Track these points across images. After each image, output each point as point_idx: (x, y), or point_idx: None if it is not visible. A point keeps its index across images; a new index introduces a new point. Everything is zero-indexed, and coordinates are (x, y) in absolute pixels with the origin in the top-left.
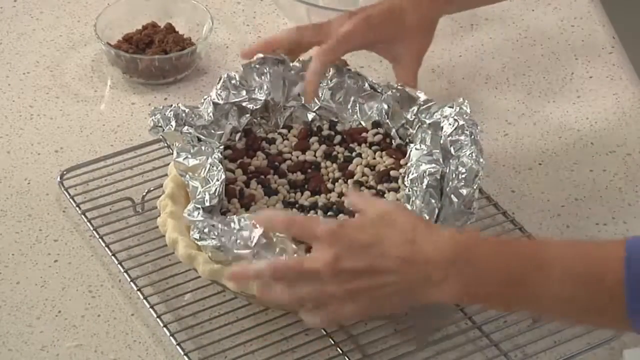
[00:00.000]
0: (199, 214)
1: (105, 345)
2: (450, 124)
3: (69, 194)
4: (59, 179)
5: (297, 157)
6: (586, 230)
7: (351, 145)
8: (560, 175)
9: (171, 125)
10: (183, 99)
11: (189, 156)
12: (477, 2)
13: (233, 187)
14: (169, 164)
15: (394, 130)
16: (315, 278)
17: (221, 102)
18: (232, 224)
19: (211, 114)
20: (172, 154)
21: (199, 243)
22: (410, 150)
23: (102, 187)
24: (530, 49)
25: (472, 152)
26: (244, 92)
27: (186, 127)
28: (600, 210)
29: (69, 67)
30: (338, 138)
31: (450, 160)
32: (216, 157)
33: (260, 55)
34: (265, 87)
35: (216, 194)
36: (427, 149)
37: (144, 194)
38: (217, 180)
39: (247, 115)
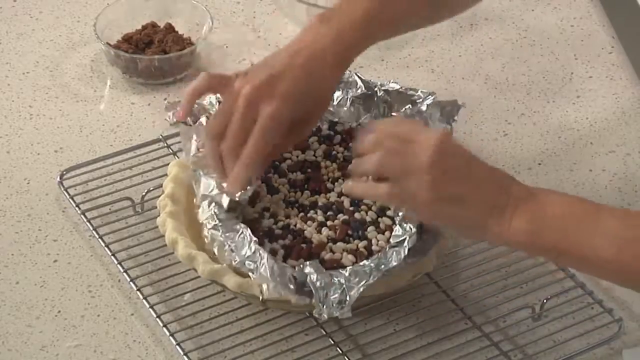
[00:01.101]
0: (219, 234)
1: (104, 345)
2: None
3: (69, 194)
4: (58, 178)
5: (297, 156)
6: None
7: (350, 144)
8: (560, 175)
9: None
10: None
11: None
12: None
13: None
14: (168, 164)
15: None
16: (417, 151)
17: None
18: (243, 251)
19: None
20: (172, 154)
21: (211, 232)
22: None
23: (102, 187)
24: (530, 49)
25: None
26: None
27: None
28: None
29: (69, 67)
30: (338, 138)
31: None
32: None
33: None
34: None
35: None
36: None
37: (144, 193)
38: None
39: None
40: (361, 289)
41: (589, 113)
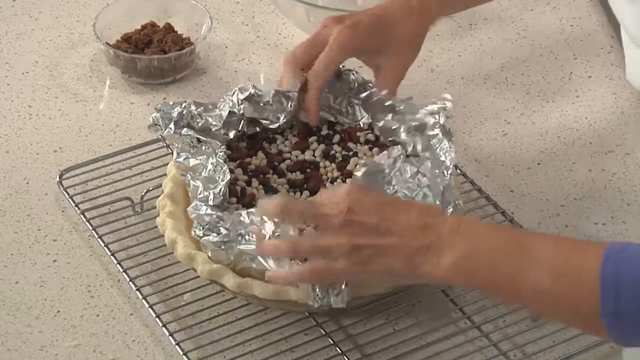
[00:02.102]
0: (206, 208)
1: (104, 345)
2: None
3: (68, 194)
4: (57, 178)
5: (297, 156)
6: (585, 230)
7: (349, 144)
8: (559, 174)
9: (170, 128)
10: (185, 99)
11: (189, 156)
12: (465, 3)
13: (234, 187)
14: (167, 164)
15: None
16: (324, 224)
17: (238, 113)
18: (241, 218)
19: (223, 120)
20: (172, 153)
21: (202, 240)
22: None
23: (101, 186)
24: (529, 49)
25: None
26: (264, 110)
27: (185, 130)
28: (599, 209)
29: (68, 67)
30: (336, 138)
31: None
32: (220, 157)
33: (297, 86)
34: (287, 111)
35: (220, 193)
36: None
37: (143, 193)
38: (222, 180)
39: (258, 127)
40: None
41: (588, 113)
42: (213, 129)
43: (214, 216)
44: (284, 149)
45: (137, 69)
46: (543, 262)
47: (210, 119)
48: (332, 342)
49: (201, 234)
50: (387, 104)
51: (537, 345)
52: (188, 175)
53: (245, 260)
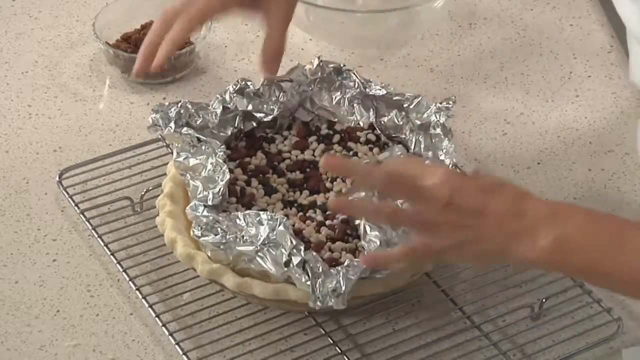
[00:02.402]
0: (203, 209)
1: (103, 344)
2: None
3: (68, 193)
4: (57, 178)
5: (296, 156)
6: None
7: (349, 144)
8: (559, 174)
9: (170, 127)
10: (182, 99)
11: (189, 156)
12: None
13: (234, 187)
14: (167, 164)
15: (383, 131)
16: (425, 202)
17: (232, 107)
18: (238, 220)
19: (218, 117)
20: (171, 153)
21: (200, 240)
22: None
23: (101, 186)
24: (529, 48)
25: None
26: (257, 103)
27: (185, 129)
28: (599, 209)
29: (68, 67)
30: (336, 137)
31: None
32: (220, 157)
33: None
34: (280, 102)
35: (219, 193)
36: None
37: (143, 193)
38: (222, 180)
39: (254, 122)
40: (358, 277)
41: (588, 112)
42: (210, 127)
43: (211, 217)
44: (283, 149)
45: None
46: (637, 249)
47: (207, 117)
48: (331, 342)
49: (199, 234)
50: (395, 98)
51: (537, 345)
52: (188, 175)
53: (244, 261)
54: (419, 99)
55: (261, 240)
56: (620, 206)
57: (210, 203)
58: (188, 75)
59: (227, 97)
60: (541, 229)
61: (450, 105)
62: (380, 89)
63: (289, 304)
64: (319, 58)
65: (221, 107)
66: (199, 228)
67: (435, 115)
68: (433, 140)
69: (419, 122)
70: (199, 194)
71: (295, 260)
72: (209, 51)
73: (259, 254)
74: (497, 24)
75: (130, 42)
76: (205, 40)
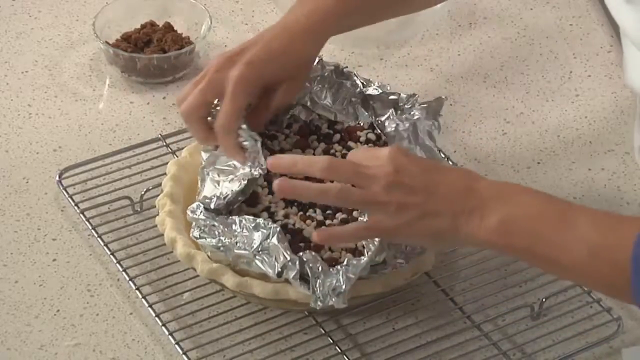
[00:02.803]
0: (201, 212)
1: (103, 344)
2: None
3: (68, 193)
4: (57, 177)
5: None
6: None
7: (349, 143)
8: (559, 174)
9: None
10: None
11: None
12: (362, 19)
13: None
14: (167, 163)
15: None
16: (370, 183)
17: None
18: (234, 226)
19: None
20: (172, 152)
21: (199, 242)
22: None
23: (101, 186)
24: (529, 48)
25: None
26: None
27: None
28: (598, 209)
29: (68, 66)
30: (337, 137)
31: None
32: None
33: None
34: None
35: (225, 199)
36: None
37: (143, 193)
38: (232, 189)
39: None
40: (358, 276)
41: (588, 112)
42: None
43: (207, 221)
44: (285, 147)
45: (136, 68)
46: (582, 236)
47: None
48: (331, 341)
49: (197, 236)
50: (390, 98)
51: (537, 345)
52: (207, 170)
53: (243, 263)
54: (414, 97)
55: (255, 247)
56: (620, 206)
57: (212, 207)
58: (188, 75)
59: None
60: (488, 209)
61: (439, 101)
62: (376, 89)
63: (288, 303)
64: (319, 58)
65: None
66: (198, 229)
67: (426, 111)
68: (420, 134)
69: (412, 119)
70: (207, 194)
71: (290, 273)
72: (208, 50)
73: (257, 257)
74: (497, 23)
75: (130, 41)
76: (205, 40)
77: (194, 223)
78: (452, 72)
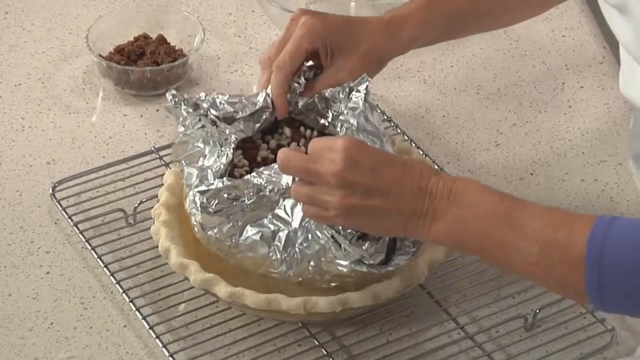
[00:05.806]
0: (214, 181)
1: (97, 357)
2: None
3: (61, 206)
4: (50, 190)
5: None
6: None
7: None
8: (552, 185)
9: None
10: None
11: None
12: (442, 33)
13: (235, 173)
14: (160, 176)
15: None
16: (319, 181)
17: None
18: (256, 180)
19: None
20: (165, 165)
21: (213, 216)
22: None
23: (94, 198)
24: (522, 59)
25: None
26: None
27: (212, 111)
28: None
29: (61, 79)
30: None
31: None
32: (233, 141)
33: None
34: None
35: (219, 172)
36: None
37: (136, 205)
38: (222, 163)
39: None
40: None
41: (581, 123)
42: (243, 117)
43: (227, 184)
44: (282, 143)
45: (129, 80)
46: (532, 233)
47: (243, 106)
48: (325, 353)
49: (212, 210)
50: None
51: (531, 356)
52: (183, 161)
53: (255, 224)
54: (350, 85)
55: (285, 185)
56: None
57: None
58: (181, 87)
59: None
60: (438, 210)
61: (362, 80)
62: (328, 90)
63: (282, 314)
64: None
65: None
66: (208, 202)
67: (359, 92)
68: (363, 118)
69: (350, 107)
70: (194, 180)
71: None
72: (202, 63)
73: (282, 197)
74: (489, 35)
75: (124, 54)
76: (199, 52)
77: (203, 198)
78: (445, 83)
